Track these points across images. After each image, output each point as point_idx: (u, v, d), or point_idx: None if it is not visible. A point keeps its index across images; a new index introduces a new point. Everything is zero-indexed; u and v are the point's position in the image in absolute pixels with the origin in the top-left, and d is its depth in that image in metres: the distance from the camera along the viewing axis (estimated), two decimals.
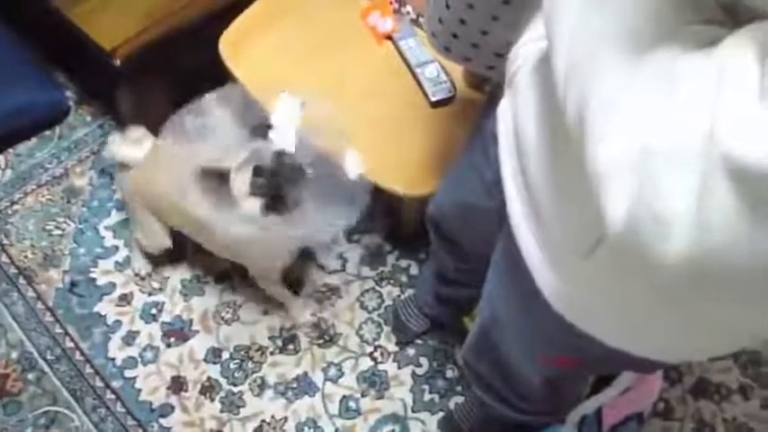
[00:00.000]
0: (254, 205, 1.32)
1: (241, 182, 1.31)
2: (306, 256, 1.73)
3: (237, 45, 1.63)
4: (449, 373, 1.66)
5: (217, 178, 1.33)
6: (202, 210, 1.37)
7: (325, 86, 1.57)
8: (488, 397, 1.23)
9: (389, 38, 1.66)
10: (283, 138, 1.35)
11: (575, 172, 0.64)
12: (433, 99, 1.57)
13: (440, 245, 1.37)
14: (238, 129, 1.48)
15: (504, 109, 0.82)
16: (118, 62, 1.58)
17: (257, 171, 1.31)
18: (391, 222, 1.83)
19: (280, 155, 1.33)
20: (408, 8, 1.67)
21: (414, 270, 1.79)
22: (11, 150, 1.90)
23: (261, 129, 1.38)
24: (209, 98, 1.56)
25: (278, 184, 1.31)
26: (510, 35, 0.91)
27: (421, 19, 1.66)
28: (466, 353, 1.18)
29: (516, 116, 0.76)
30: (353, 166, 1.39)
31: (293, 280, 1.73)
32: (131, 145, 1.56)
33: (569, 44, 0.54)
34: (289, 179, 1.32)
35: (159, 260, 1.73)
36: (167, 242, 1.62)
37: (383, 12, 1.67)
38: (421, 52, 1.62)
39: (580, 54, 0.52)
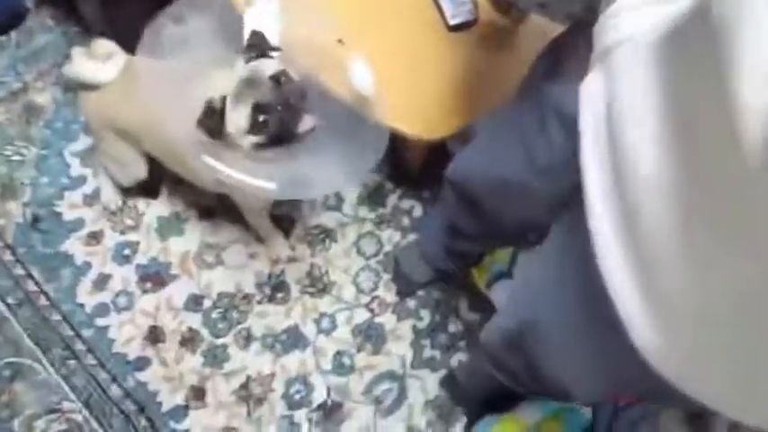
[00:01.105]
0: (252, 141, 1.11)
1: (238, 118, 1.10)
2: None
3: None
4: (452, 328, 1.53)
5: (209, 111, 1.10)
6: (188, 140, 1.15)
7: (325, 4, 1.34)
8: (503, 376, 1.09)
9: None
10: (263, 43, 1.13)
11: (734, 182, 0.46)
12: (452, 22, 1.35)
13: (460, 205, 1.19)
14: (219, 39, 1.25)
15: (592, 91, 0.61)
16: None
17: (257, 108, 1.09)
18: (393, 159, 1.63)
19: (277, 79, 1.11)
20: None
21: (417, 212, 1.62)
22: None
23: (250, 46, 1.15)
24: (187, 5, 1.33)
25: (280, 120, 1.10)
26: None
27: None
28: (489, 337, 1.03)
29: (615, 103, 0.57)
30: (362, 77, 1.17)
31: (283, 216, 1.56)
32: (99, 61, 1.33)
33: None
34: (291, 111, 1.10)
35: (132, 192, 1.55)
36: (143, 172, 1.43)
37: None
38: None
39: None
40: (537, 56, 0.94)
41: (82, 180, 1.57)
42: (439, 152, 1.47)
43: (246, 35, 1.12)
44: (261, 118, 1.09)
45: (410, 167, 1.63)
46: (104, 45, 1.33)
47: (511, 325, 0.92)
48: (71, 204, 1.54)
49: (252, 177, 1.08)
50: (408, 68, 1.33)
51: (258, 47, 1.14)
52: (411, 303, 1.54)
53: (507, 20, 1.37)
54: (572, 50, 0.70)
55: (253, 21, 1.12)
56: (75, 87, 1.59)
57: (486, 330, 1.04)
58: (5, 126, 1.60)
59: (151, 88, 1.23)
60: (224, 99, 1.08)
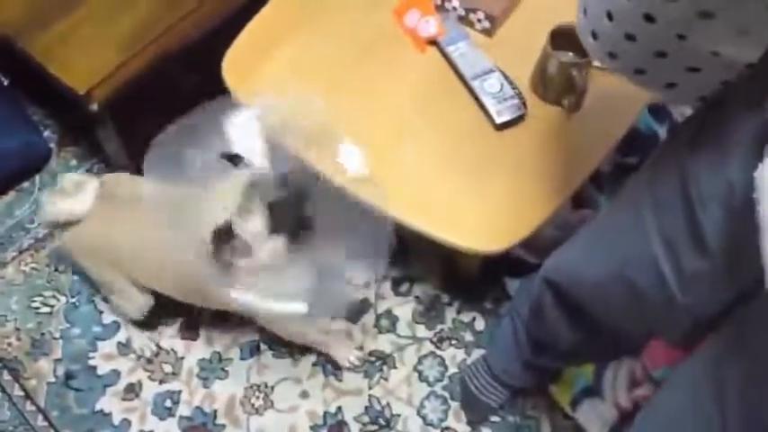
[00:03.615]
0: (276, 245, 1.02)
1: (255, 226, 1.01)
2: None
3: (244, 66, 1.29)
4: None
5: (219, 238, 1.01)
6: (237, 293, 1.05)
7: (355, 109, 1.24)
8: None
9: (434, 43, 1.30)
10: (250, 153, 1.04)
11: None
12: (498, 120, 1.22)
13: (558, 312, 1.06)
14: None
15: None
16: (95, 106, 1.25)
17: (273, 207, 1.01)
18: (446, 268, 1.49)
19: (282, 178, 1.03)
20: (455, 2, 1.30)
21: (479, 324, 1.46)
22: None
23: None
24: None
25: (299, 209, 1.03)
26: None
27: (472, 15, 1.30)
28: None
29: None
30: (352, 158, 1.09)
31: None
32: (70, 196, 1.26)
33: None
34: (304, 197, 1.03)
35: (150, 326, 1.43)
36: (149, 299, 1.33)
37: (423, 10, 1.31)
38: (477, 60, 1.26)
39: None
40: (672, 131, 0.85)
41: (115, 327, 1.45)
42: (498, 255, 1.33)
43: (231, 142, 1.03)
44: (279, 215, 1.01)
45: (466, 276, 1.48)
46: (71, 178, 1.28)
47: None
48: (105, 355, 1.42)
49: (280, 302, 1.02)
50: (455, 175, 1.20)
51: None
52: None
53: (560, 109, 1.25)
54: (723, 125, 0.61)
55: (235, 128, 1.04)
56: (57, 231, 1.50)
57: None
58: (33, 277, 1.51)
59: (152, 214, 1.13)
60: (228, 223, 0.99)
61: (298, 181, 1.03)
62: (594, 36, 0.69)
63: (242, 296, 1.02)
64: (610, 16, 0.64)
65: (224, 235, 0.99)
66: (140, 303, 1.33)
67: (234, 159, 1.04)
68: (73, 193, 1.24)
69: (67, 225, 1.26)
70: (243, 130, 1.06)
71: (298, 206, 1.03)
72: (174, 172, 1.07)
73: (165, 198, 1.04)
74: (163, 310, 1.39)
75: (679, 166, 0.70)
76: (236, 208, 0.99)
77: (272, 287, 1.04)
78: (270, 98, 1.12)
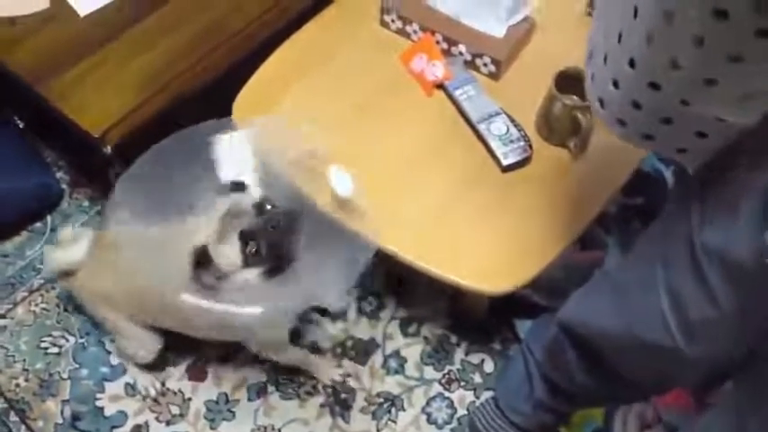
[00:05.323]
0: (250, 276, 1.03)
1: (228, 254, 1.02)
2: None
3: (255, 110, 1.31)
4: None
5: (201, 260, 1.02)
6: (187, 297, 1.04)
7: (364, 152, 1.25)
8: None
9: (441, 86, 1.32)
10: (237, 174, 1.10)
11: None
12: (505, 162, 1.23)
13: (576, 355, 1.06)
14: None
15: None
16: (109, 149, 1.27)
17: (245, 236, 1.02)
18: (454, 308, 1.49)
19: (260, 206, 1.05)
20: (461, 47, 1.33)
21: (488, 366, 1.45)
22: None
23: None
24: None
25: (271, 245, 1.03)
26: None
27: (478, 60, 1.33)
28: None
29: None
30: (340, 180, 1.11)
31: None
32: (67, 248, 1.33)
33: None
34: (280, 234, 1.04)
35: (157, 367, 1.43)
36: (157, 340, 1.34)
37: (430, 55, 1.34)
38: (483, 103, 1.28)
39: None
40: (674, 193, 0.86)
41: (122, 368, 1.45)
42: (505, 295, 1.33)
43: (219, 166, 1.08)
44: (250, 247, 1.02)
45: (475, 317, 1.48)
46: (67, 232, 1.38)
47: None
48: (112, 396, 1.42)
49: (236, 306, 1.00)
50: (462, 216, 1.21)
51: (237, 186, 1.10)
52: None
53: (566, 151, 1.26)
54: (728, 185, 0.63)
55: (223, 150, 1.09)
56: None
57: None
58: (42, 317, 1.52)
59: (132, 255, 1.14)
60: (206, 247, 1.01)
61: (279, 213, 1.05)
62: (602, 104, 0.69)
63: (194, 300, 1.01)
64: (616, 84, 0.64)
65: (203, 258, 1.01)
66: (149, 346, 1.34)
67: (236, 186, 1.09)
68: (68, 245, 1.32)
69: (69, 274, 1.32)
70: (233, 151, 1.10)
71: (278, 237, 1.03)
72: (150, 203, 1.10)
73: (139, 236, 1.07)
74: (171, 351, 1.40)
75: (687, 221, 0.71)
76: (214, 233, 1.02)
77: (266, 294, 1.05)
78: (260, 121, 1.17)
